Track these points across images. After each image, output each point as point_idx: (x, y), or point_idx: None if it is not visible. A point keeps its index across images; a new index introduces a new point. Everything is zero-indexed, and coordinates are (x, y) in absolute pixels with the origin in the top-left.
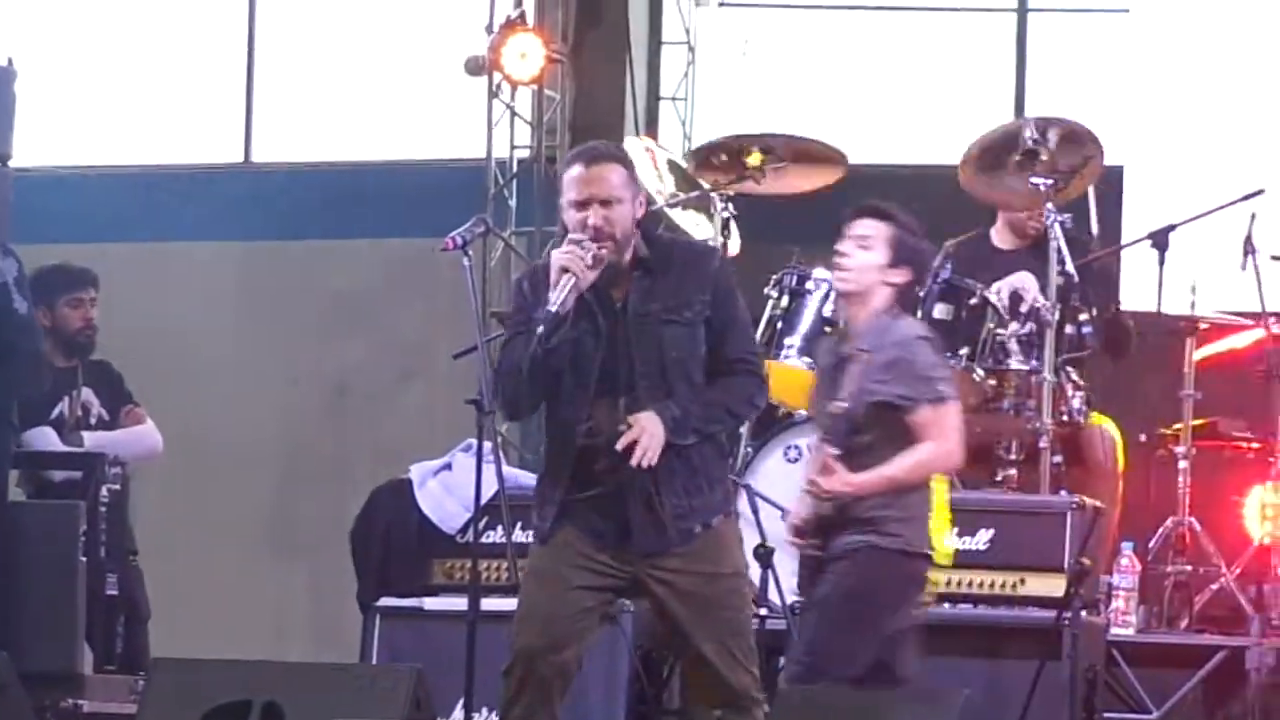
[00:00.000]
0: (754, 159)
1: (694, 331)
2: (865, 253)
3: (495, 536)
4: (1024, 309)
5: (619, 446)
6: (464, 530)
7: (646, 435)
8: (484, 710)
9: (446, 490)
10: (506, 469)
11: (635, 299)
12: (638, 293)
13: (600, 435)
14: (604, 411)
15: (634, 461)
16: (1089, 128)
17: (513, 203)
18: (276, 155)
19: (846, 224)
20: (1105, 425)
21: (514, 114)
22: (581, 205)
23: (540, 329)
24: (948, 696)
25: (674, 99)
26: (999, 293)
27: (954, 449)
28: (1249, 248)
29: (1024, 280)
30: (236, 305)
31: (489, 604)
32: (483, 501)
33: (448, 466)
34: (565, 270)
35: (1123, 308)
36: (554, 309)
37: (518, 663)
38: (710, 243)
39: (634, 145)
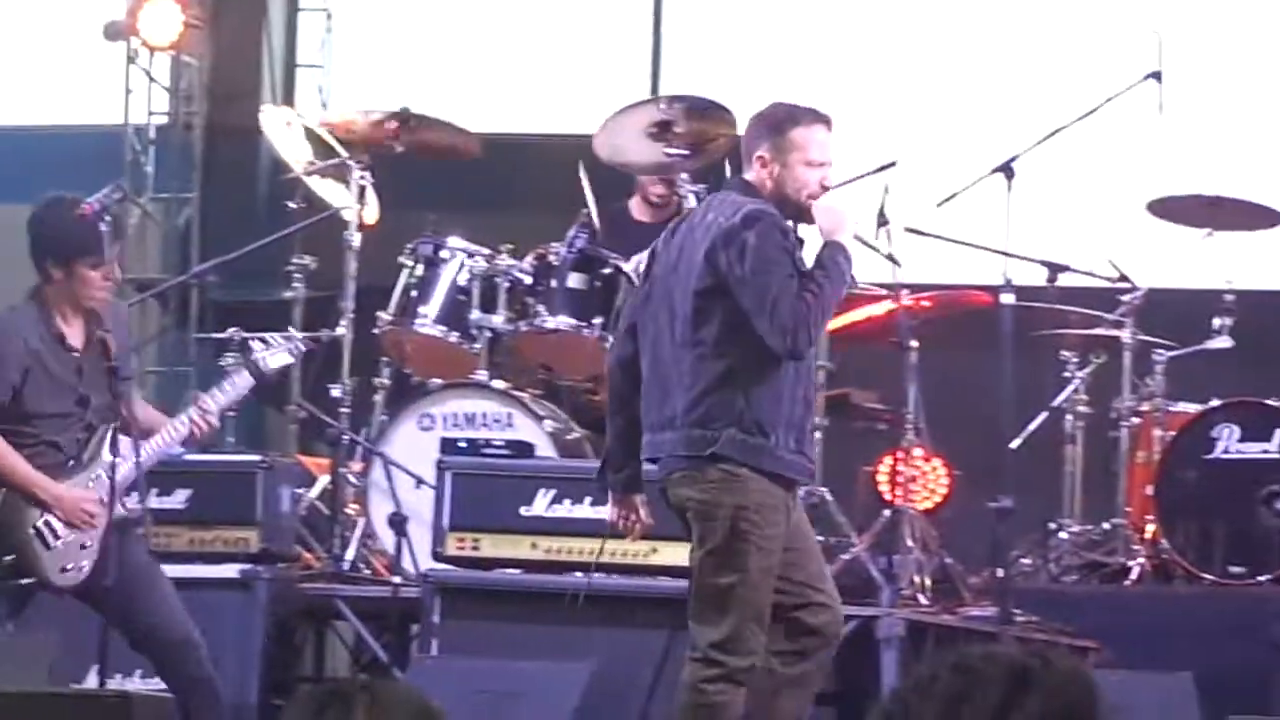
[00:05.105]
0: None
1: None
2: None
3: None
4: None
5: None
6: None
7: None
8: (118, 676)
9: None
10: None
11: None
12: None
13: None
14: None
15: None
16: (722, 103)
17: (149, 169)
18: None
19: None
20: None
21: (152, 79)
22: (821, 165)
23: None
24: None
25: (311, 66)
26: (637, 265)
27: None
28: (882, 219)
29: None
30: None
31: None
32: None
33: None
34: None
35: None
36: None
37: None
38: (345, 212)
39: (275, 116)
